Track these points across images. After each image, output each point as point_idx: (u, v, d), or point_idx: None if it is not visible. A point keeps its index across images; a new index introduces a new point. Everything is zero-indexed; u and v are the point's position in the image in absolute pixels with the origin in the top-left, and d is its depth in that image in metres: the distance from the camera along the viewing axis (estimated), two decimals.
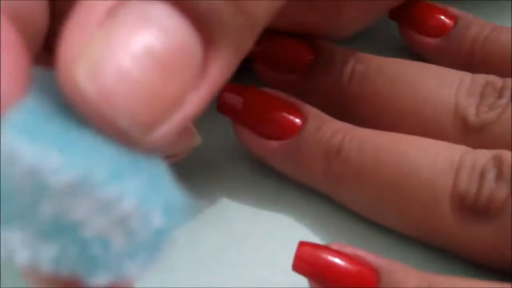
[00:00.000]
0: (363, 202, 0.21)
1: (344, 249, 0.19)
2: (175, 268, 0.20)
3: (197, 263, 0.20)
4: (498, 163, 0.19)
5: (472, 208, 0.19)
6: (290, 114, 0.22)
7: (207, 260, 0.21)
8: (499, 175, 0.19)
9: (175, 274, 0.20)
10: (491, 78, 0.22)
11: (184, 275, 0.20)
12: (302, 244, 0.19)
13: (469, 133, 0.21)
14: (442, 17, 0.25)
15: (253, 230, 0.21)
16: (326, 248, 0.19)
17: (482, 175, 0.19)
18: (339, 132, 0.21)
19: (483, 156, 0.20)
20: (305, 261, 0.19)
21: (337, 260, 0.19)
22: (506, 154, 0.19)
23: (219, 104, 0.22)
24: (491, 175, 0.19)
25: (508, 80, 0.22)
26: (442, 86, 0.22)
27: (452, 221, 0.19)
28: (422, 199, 0.20)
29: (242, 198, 0.22)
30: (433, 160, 0.20)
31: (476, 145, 0.20)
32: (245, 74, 0.22)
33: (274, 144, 0.22)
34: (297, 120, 0.22)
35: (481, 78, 0.22)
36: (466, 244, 0.20)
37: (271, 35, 0.24)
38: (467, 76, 0.22)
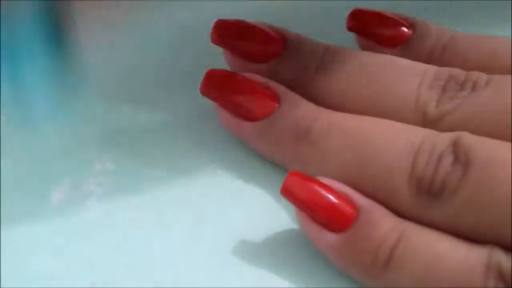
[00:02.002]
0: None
1: (332, 184, 0.20)
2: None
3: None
4: (456, 147, 0.20)
5: (427, 192, 0.19)
6: (266, 95, 0.23)
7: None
8: (455, 160, 0.19)
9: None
10: (455, 71, 0.23)
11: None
12: (292, 172, 0.20)
13: (429, 124, 0.22)
14: (400, 27, 0.25)
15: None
16: (314, 180, 0.20)
17: (439, 160, 0.20)
18: (310, 115, 0.22)
19: (443, 139, 0.20)
20: (293, 187, 0.20)
21: (322, 191, 0.20)
22: (464, 137, 0.20)
23: (202, 88, 0.24)
24: (447, 159, 0.20)
25: (472, 73, 0.22)
26: (405, 79, 0.23)
27: (409, 206, 0.20)
28: (381, 183, 0.20)
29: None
30: (394, 144, 0.21)
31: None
32: None
33: (249, 124, 0.23)
34: (272, 102, 0.23)
35: (445, 71, 0.23)
36: None
37: (240, 25, 0.25)
38: (431, 69, 0.23)
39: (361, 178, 0.21)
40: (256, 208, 0.22)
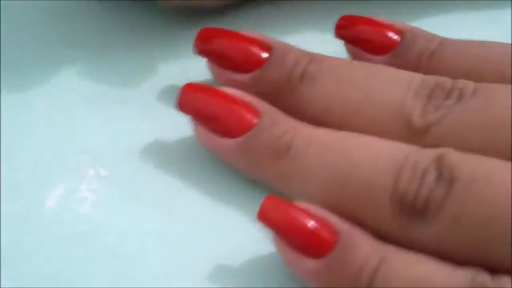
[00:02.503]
0: (309, 202, 0.20)
1: (309, 208, 0.20)
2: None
3: None
4: (440, 163, 0.19)
5: (411, 209, 0.19)
6: (245, 110, 0.22)
7: None
8: (439, 177, 0.19)
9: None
10: (442, 79, 0.22)
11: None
12: (269, 196, 0.20)
13: (414, 134, 0.21)
14: (388, 33, 0.25)
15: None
16: (292, 204, 0.20)
17: (422, 176, 0.19)
18: (290, 131, 0.22)
19: (427, 156, 0.19)
20: (269, 212, 0.20)
21: (300, 217, 0.19)
22: (449, 154, 0.19)
23: (178, 103, 0.23)
24: (431, 176, 0.19)
25: (459, 81, 0.22)
26: (390, 88, 0.22)
27: (392, 225, 0.19)
28: (362, 201, 0.20)
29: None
30: (376, 160, 0.20)
31: (421, 146, 0.20)
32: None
33: (227, 141, 0.22)
34: (251, 117, 0.22)
35: (431, 79, 0.22)
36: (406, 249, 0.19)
37: (223, 33, 0.24)
38: (417, 78, 0.22)
39: (342, 195, 0.20)
40: (253, 214, 0.21)
